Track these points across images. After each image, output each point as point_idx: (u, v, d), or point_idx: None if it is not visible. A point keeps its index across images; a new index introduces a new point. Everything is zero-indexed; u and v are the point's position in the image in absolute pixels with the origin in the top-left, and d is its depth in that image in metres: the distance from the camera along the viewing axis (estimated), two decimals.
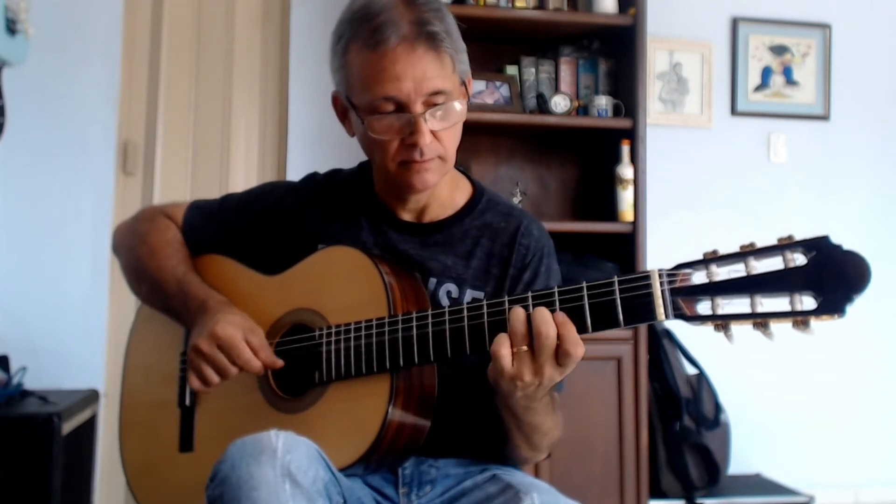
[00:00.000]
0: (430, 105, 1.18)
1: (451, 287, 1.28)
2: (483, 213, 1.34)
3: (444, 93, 1.18)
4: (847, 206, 3.37)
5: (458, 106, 1.21)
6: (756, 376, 3.18)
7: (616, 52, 3.01)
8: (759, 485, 3.04)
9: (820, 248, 0.93)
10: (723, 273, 0.96)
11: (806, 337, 0.95)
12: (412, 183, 1.24)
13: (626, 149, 2.83)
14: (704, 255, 0.98)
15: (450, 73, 1.19)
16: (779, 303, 0.94)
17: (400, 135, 1.20)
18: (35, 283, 2.79)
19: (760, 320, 0.94)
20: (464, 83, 1.25)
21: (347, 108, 1.25)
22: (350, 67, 1.20)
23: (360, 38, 1.17)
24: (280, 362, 1.23)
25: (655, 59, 3.24)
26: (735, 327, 0.96)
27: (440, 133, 1.20)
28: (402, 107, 1.18)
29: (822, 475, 3.22)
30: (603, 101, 2.90)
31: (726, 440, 2.90)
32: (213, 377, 1.21)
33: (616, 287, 1.02)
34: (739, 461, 3.04)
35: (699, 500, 2.80)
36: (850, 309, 0.90)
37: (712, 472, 2.84)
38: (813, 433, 3.27)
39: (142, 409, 1.41)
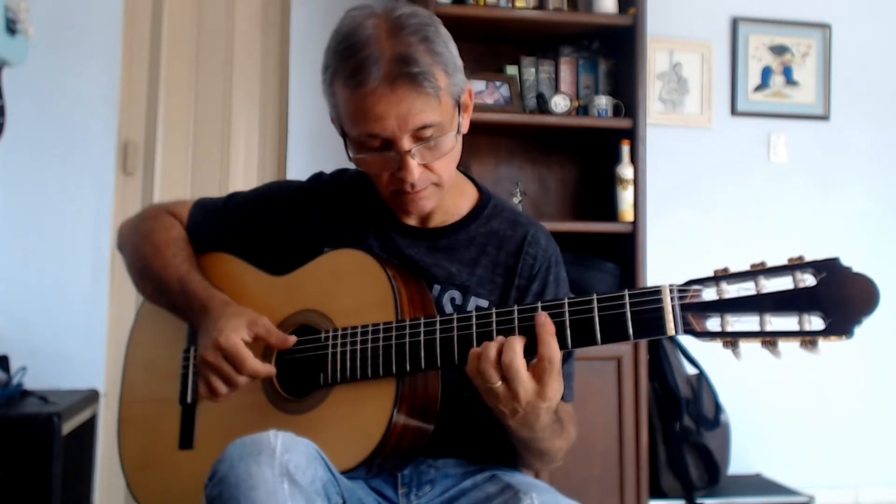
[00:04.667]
0: (418, 139, 1.16)
1: (455, 294, 1.27)
2: (490, 219, 1.33)
3: (432, 126, 1.15)
4: (847, 205, 3.37)
5: (450, 136, 1.19)
6: (756, 376, 3.17)
7: (616, 52, 3.00)
8: (759, 485, 3.04)
9: (829, 269, 0.93)
10: (733, 291, 0.97)
11: None
12: (408, 210, 1.24)
13: (626, 149, 2.83)
14: (715, 272, 0.99)
15: (435, 106, 1.15)
16: (787, 322, 0.94)
17: (389, 169, 1.19)
18: (35, 283, 2.79)
19: (769, 339, 0.95)
20: (459, 104, 1.21)
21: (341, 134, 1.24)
22: (337, 100, 1.19)
23: (342, 74, 1.15)
24: (293, 339, 1.23)
25: (655, 59, 3.24)
26: (743, 344, 0.97)
27: (431, 164, 1.19)
28: (389, 142, 1.16)
29: (822, 475, 3.22)
30: (603, 101, 2.89)
31: (726, 440, 2.90)
32: (222, 388, 1.21)
33: (626, 301, 1.02)
34: (739, 461, 3.04)
35: (699, 500, 2.80)
36: (858, 330, 0.91)
37: (712, 472, 2.84)
38: (813, 433, 3.28)
39: (142, 405, 1.41)
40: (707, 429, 2.83)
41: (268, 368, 1.22)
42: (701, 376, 2.89)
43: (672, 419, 2.82)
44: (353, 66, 1.13)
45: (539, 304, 1.07)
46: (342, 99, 1.17)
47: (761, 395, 3.22)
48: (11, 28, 2.29)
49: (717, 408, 2.87)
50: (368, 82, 1.12)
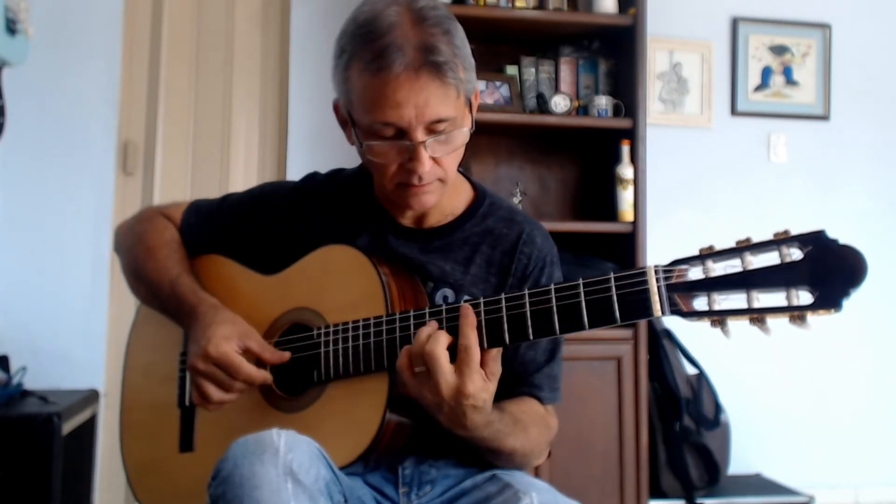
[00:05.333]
0: (431, 132, 1.15)
1: (448, 292, 1.27)
2: (485, 217, 1.32)
3: (447, 120, 1.15)
4: (847, 205, 3.37)
5: (462, 131, 1.18)
6: (756, 376, 3.18)
7: (616, 52, 3.01)
8: (759, 485, 3.04)
9: (816, 242, 0.92)
10: (719, 269, 0.96)
11: (806, 336, 0.94)
12: (410, 204, 1.23)
13: (626, 149, 2.83)
14: (700, 250, 0.97)
15: (454, 99, 1.15)
16: (775, 298, 0.93)
17: (399, 159, 1.17)
18: (35, 283, 2.79)
19: (757, 315, 0.93)
20: (470, 102, 1.21)
21: (348, 121, 1.22)
22: (352, 85, 1.16)
23: (362, 59, 1.13)
24: (287, 355, 1.23)
25: (655, 59, 3.24)
26: (731, 323, 0.95)
27: (441, 158, 1.18)
28: (402, 132, 1.14)
29: (822, 475, 3.22)
30: (603, 101, 2.89)
31: (726, 440, 2.90)
32: (215, 394, 1.21)
33: (612, 283, 1.02)
34: (739, 461, 3.04)
35: (699, 500, 2.80)
36: (847, 303, 0.90)
37: (712, 472, 2.84)
38: (813, 433, 3.27)
39: (142, 409, 1.41)
40: (707, 429, 2.82)
41: (263, 374, 1.22)
42: (701, 376, 2.89)
43: (672, 419, 2.82)
44: (376, 50, 1.11)
45: (526, 292, 1.07)
46: (358, 84, 1.15)
47: (761, 395, 3.22)
48: (11, 28, 2.29)
49: (717, 408, 2.87)
50: (392, 68, 1.10)
